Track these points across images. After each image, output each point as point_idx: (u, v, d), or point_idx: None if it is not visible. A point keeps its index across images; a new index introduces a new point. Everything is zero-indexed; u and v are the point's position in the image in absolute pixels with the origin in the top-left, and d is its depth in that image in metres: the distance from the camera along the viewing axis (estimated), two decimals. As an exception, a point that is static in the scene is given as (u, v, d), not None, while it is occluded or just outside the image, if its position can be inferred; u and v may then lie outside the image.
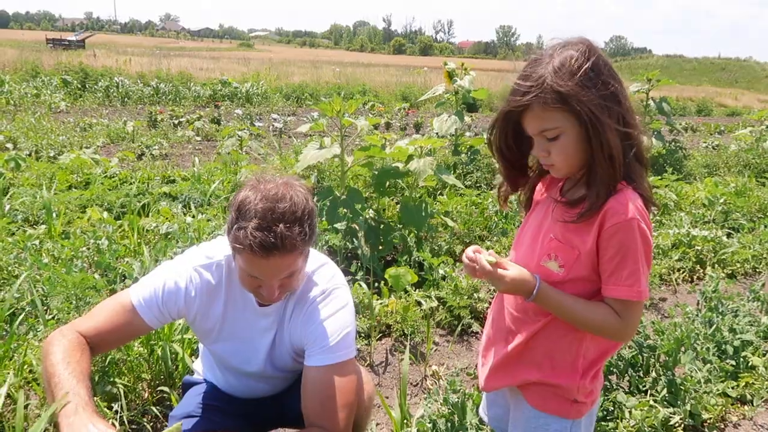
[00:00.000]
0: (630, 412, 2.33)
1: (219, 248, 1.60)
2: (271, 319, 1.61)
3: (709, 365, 2.56)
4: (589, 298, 1.31)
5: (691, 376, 2.46)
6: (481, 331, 3.39)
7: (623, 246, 1.23)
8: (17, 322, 2.61)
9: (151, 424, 2.32)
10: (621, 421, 2.32)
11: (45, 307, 2.84)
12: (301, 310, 1.58)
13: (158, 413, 2.34)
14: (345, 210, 3.78)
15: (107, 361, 2.43)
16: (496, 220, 4.63)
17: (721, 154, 8.58)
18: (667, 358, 2.55)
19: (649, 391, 2.52)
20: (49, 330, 2.52)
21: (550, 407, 1.39)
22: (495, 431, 1.71)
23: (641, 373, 2.60)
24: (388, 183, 4.12)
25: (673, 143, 8.20)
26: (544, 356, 1.38)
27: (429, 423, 1.93)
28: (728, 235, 5.09)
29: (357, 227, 3.84)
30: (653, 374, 2.56)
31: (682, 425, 2.46)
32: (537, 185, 1.48)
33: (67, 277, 2.48)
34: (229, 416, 1.76)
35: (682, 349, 2.54)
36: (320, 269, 1.63)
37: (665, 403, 2.46)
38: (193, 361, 2.30)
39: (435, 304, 3.40)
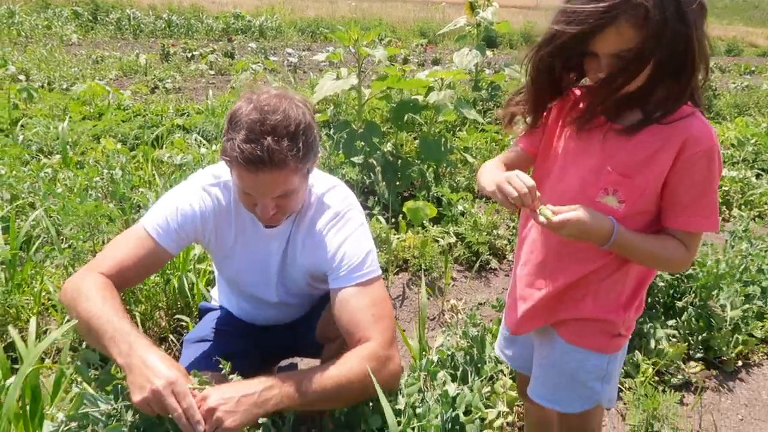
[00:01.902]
0: (655, 343, 2.29)
1: (225, 168, 1.52)
2: (278, 242, 1.55)
3: (738, 304, 2.50)
4: (643, 232, 1.22)
5: (721, 312, 2.40)
6: (500, 268, 3.35)
7: (705, 175, 1.14)
8: (33, 250, 2.59)
9: (169, 351, 2.33)
10: (642, 352, 2.28)
11: (61, 238, 2.82)
12: (314, 235, 1.51)
13: (176, 341, 2.34)
14: (362, 143, 3.68)
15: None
16: (516, 156, 4.49)
17: (751, 94, 8.25)
18: (702, 292, 2.49)
19: (677, 321, 2.47)
20: (66, 259, 2.50)
21: (588, 343, 1.33)
22: (515, 369, 1.66)
23: (672, 303, 2.56)
24: (406, 117, 3.99)
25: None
26: (588, 294, 1.31)
27: (449, 353, 1.89)
28: (757, 176, 4.93)
29: (374, 162, 3.75)
30: (684, 305, 2.51)
31: (706, 359, 2.42)
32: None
33: (80, 205, 2.44)
34: (242, 342, 1.73)
35: (721, 284, 2.48)
36: (331, 191, 1.55)
37: (690, 335, 2.42)
38: (208, 290, 2.27)
39: (453, 240, 3.35)
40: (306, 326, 1.74)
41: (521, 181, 1.19)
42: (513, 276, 1.47)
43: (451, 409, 1.48)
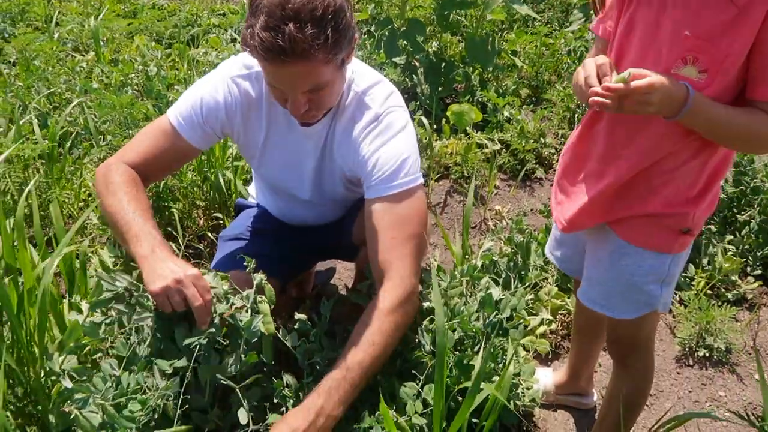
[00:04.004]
0: (709, 257, 2.17)
1: None
2: (314, 142, 1.44)
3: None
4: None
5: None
6: (545, 178, 3.21)
7: None
8: (68, 144, 2.57)
9: (208, 249, 2.32)
10: (695, 265, 2.17)
11: (99, 135, 2.79)
12: (351, 137, 1.39)
13: (213, 239, 2.32)
14: (405, 43, 3.47)
15: (161, 186, 2.39)
16: (568, 61, 4.21)
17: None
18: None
19: (736, 236, 2.33)
20: (103, 153, 2.47)
21: (650, 242, 1.22)
22: (564, 272, 1.57)
23: (733, 218, 2.41)
24: (451, 16, 3.74)
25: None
26: (656, 186, 1.17)
27: (495, 257, 1.81)
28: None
29: (417, 63, 3.55)
30: (746, 219, 2.35)
31: (765, 277, 2.29)
32: None
33: (116, 98, 2.37)
34: (277, 242, 1.68)
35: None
36: (373, 89, 1.39)
37: (749, 251, 2.28)
38: (246, 188, 2.22)
39: (498, 147, 3.19)
40: (342, 228, 1.66)
41: (592, 62, 1.07)
42: (563, 168, 1.34)
43: (495, 312, 1.41)
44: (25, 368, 1.33)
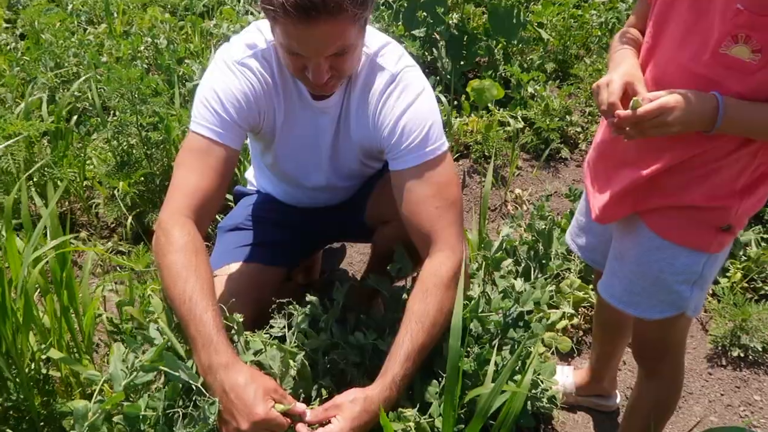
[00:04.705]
0: (742, 247, 2.02)
1: (257, 35, 1.27)
2: (330, 116, 1.33)
3: None
4: None
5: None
6: (570, 158, 3.05)
7: None
8: (73, 121, 2.49)
9: (215, 231, 2.23)
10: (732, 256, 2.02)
11: (107, 112, 2.71)
12: (369, 103, 1.28)
13: (218, 218, 2.23)
14: (425, 14, 3.31)
15: (167, 165, 2.31)
16: (598, 34, 4.00)
17: None
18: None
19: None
20: (110, 131, 2.38)
21: (683, 236, 1.09)
22: (585, 262, 1.44)
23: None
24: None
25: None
26: (699, 176, 1.05)
27: (516, 244, 1.68)
28: None
29: (437, 36, 3.39)
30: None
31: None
32: None
33: (123, 71, 2.27)
34: (282, 228, 1.57)
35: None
36: (384, 48, 1.28)
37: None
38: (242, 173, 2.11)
39: (521, 125, 3.04)
40: (354, 207, 1.56)
41: (617, 83, 0.99)
42: (598, 153, 1.21)
43: (516, 305, 1.31)
44: (11, 364, 1.26)
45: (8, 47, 3.34)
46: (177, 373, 1.04)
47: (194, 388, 1.05)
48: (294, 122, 1.33)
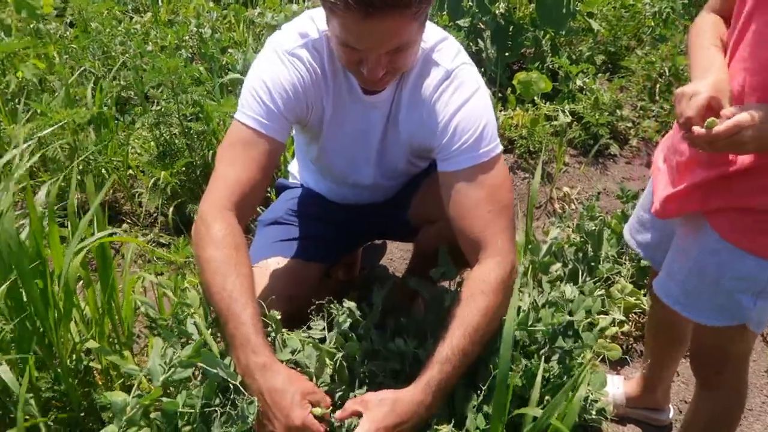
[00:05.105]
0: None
1: (309, 24, 1.22)
2: (380, 111, 1.27)
3: None
4: None
5: None
6: (620, 155, 2.94)
7: None
8: (114, 109, 2.51)
9: (255, 224, 2.22)
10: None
11: (150, 102, 2.72)
12: (421, 99, 1.22)
13: (259, 210, 2.21)
14: (470, 3, 3.22)
15: (210, 156, 2.30)
16: (651, 25, 3.84)
17: None
18: None
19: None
20: (150, 118, 2.39)
21: (751, 242, 1.01)
22: (645, 259, 1.36)
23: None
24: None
25: None
26: None
27: (563, 245, 1.61)
28: None
29: (483, 26, 3.29)
30: None
31: None
32: None
33: (165, 60, 2.27)
34: (324, 223, 1.53)
35: None
36: (441, 45, 1.22)
37: None
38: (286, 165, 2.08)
39: (568, 119, 2.93)
40: (398, 205, 1.51)
41: (691, 103, 0.94)
42: (669, 145, 1.14)
43: (566, 313, 1.24)
44: (53, 355, 1.26)
45: (57, 35, 3.39)
46: (215, 371, 1.02)
47: (232, 386, 1.02)
48: (343, 116, 1.29)
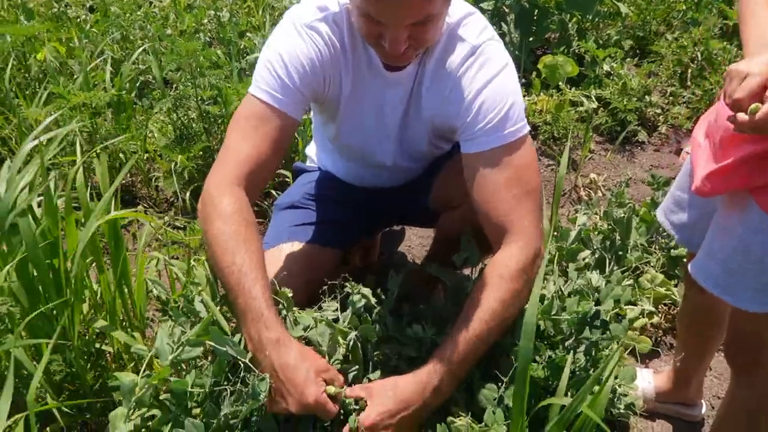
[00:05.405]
0: None
1: None
2: (402, 89, 1.22)
3: None
4: None
5: None
6: (648, 142, 2.84)
7: None
8: (134, 93, 2.49)
9: (272, 208, 2.18)
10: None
11: (169, 87, 2.69)
12: (445, 76, 1.16)
13: (275, 194, 2.18)
14: (494, -14, 3.13)
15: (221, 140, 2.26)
16: (682, 9, 3.71)
17: None
18: None
19: None
20: (168, 102, 2.36)
21: None
22: (679, 242, 1.28)
23: None
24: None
25: None
26: None
27: (595, 234, 1.54)
28: None
29: (507, 9, 3.20)
30: None
31: None
32: None
33: (182, 43, 2.23)
34: (343, 207, 1.49)
35: None
36: (467, 20, 1.16)
37: None
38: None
39: (594, 105, 2.84)
40: (418, 189, 1.45)
41: (742, 86, 0.88)
42: (712, 119, 1.07)
43: (593, 303, 1.18)
44: (64, 337, 1.24)
45: (78, 19, 3.38)
46: (224, 348, 0.98)
47: (241, 364, 0.99)
48: (362, 93, 1.23)
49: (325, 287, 1.14)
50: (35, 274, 1.19)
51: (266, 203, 2.21)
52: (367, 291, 1.11)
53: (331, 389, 0.96)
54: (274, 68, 1.12)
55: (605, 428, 0.92)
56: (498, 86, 1.13)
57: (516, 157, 1.12)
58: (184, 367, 1.09)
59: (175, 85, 2.58)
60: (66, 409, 1.26)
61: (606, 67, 3.03)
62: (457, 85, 1.15)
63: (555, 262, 1.27)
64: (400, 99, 1.23)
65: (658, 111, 2.94)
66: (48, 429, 1.27)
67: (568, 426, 1.00)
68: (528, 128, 1.15)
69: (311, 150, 1.64)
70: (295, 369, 0.94)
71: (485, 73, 1.13)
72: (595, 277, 1.22)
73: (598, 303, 1.22)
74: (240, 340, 1.01)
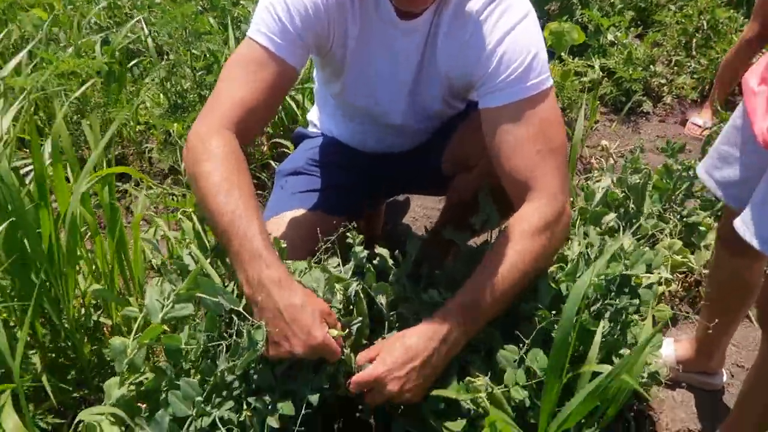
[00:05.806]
0: None
1: None
2: (416, 39, 1.14)
3: None
4: None
5: None
6: (653, 112, 2.79)
7: None
8: (129, 63, 2.38)
9: (271, 180, 2.11)
10: None
11: (161, 57, 2.59)
12: (463, 24, 1.08)
13: (274, 165, 2.10)
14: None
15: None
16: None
17: None
18: None
19: None
20: (162, 71, 2.26)
21: None
22: (722, 199, 1.20)
23: None
24: None
25: None
26: None
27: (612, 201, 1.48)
28: None
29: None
30: None
31: None
32: None
33: (177, 8, 2.14)
34: (348, 171, 1.40)
35: None
36: None
37: None
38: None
39: (599, 75, 2.78)
40: (429, 152, 1.38)
41: None
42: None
43: (622, 267, 1.12)
44: (60, 309, 1.16)
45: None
46: (216, 299, 0.91)
47: (235, 318, 0.92)
48: (371, 43, 1.15)
49: (325, 245, 1.06)
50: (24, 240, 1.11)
51: (265, 174, 2.14)
52: (384, 251, 1.04)
53: (334, 332, 0.91)
54: (276, 11, 1.04)
55: (645, 395, 0.87)
56: (521, 35, 1.06)
57: (540, 111, 1.05)
58: (177, 327, 1.03)
59: (166, 55, 2.48)
60: (63, 385, 1.20)
61: (610, 36, 2.95)
62: (478, 31, 1.07)
63: (578, 224, 1.20)
64: (414, 50, 1.15)
65: (663, 81, 2.88)
66: (43, 407, 1.21)
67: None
68: (551, 81, 1.08)
69: (313, 115, 1.56)
70: (302, 309, 0.88)
71: (506, 21, 1.06)
72: (627, 241, 1.15)
73: (627, 268, 1.16)
74: (232, 289, 0.94)
